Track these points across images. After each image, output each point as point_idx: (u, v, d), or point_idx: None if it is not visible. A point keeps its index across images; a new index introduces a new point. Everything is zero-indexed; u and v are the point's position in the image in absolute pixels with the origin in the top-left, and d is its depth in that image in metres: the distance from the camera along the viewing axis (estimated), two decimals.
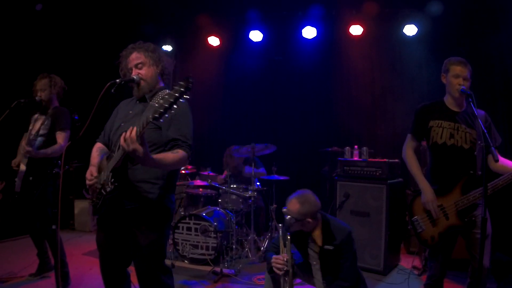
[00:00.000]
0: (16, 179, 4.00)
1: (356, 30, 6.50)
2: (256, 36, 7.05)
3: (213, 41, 7.39)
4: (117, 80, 2.62)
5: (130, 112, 2.79)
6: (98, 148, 2.87)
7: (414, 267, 4.79)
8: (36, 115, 4.22)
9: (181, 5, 7.19)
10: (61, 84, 4.33)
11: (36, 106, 4.18)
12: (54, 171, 3.62)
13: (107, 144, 2.89)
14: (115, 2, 7.00)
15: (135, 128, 2.20)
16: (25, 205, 4.06)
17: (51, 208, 4.03)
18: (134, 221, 2.62)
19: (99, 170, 2.63)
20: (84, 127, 2.62)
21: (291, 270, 3.04)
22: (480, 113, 3.07)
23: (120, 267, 2.83)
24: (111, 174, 2.47)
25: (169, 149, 2.58)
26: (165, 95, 2.09)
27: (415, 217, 3.22)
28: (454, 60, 3.14)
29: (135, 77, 2.70)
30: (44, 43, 6.70)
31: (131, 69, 2.78)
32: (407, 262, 5.06)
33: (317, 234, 3.17)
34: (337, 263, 3.10)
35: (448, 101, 3.21)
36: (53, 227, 2.95)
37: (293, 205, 3.10)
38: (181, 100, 2.06)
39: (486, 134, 2.70)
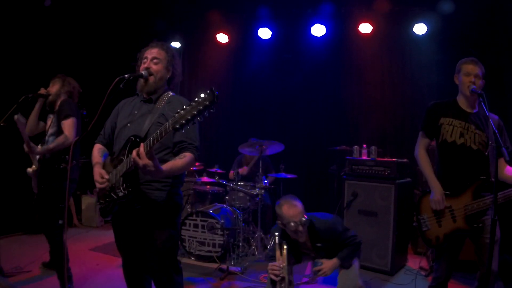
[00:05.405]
0: (33, 179, 3.91)
1: (365, 28, 6.48)
2: (265, 33, 7.03)
3: (222, 38, 7.38)
4: (126, 76, 2.59)
5: (136, 112, 2.73)
6: (99, 149, 2.83)
7: (421, 268, 4.76)
8: (50, 115, 4.08)
9: (191, 2, 7.19)
10: (75, 85, 4.16)
11: (44, 100, 4.10)
12: (61, 166, 3.58)
13: (108, 144, 2.86)
14: None
15: (142, 145, 2.21)
16: (41, 204, 3.90)
17: (58, 204, 3.86)
18: (146, 220, 2.58)
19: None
20: (92, 122, 2.61)
21: (286, 277, 3.09)
22: (493, 117, 3.02)
23: (141, 269, 2.80)
24: (121, 178, 2.43)
25: (177, 152, 2.58)
26: (188, 106, 2.04)
27: (422, 215, 3.18)
28: (466, 60, 3.17)
29: (143, 73, 2.68)
30: (54, 39, 6.71)
31: (146, 59, 2.76)
32: (414, 262, 5.03)
33: (305, 237, 3.33)
34: (337, 246, 3.34)
35: (461, 101, 3.17)
36: (60, 222, 2.95)
37: (296, 210, 3.26)
38: (205, 113, 2.01)
39: (497, 134, 2.64)
